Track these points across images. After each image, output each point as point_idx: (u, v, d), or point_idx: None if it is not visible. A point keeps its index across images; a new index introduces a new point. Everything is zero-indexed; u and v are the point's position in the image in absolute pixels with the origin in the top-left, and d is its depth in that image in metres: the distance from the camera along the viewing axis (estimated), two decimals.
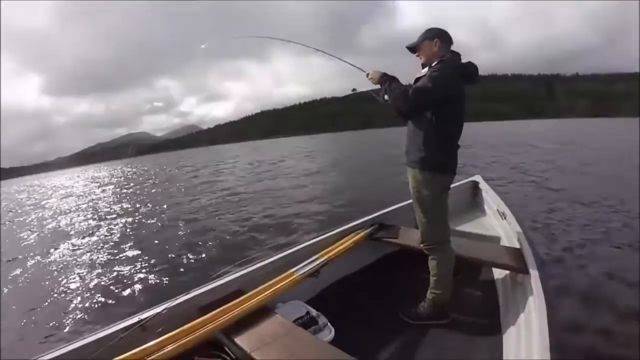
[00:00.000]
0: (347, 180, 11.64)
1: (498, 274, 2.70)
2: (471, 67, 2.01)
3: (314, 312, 2.08)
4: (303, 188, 10.37)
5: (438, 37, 2.02)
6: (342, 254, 2.53)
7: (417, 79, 1.97)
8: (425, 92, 1.85)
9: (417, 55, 2.12)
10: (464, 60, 2.02)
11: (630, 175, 8.34)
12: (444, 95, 1.89)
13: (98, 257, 5.62)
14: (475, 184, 4.14)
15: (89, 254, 5.88)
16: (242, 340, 1.63)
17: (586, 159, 12.24)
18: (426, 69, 2.02)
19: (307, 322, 1.98)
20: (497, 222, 3.32)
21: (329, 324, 2.01)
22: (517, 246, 2.50)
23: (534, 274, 1.99)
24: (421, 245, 2.22)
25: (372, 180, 10.77)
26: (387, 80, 2.01)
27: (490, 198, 3.72)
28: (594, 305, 2.97)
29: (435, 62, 1.98)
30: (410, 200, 3.22)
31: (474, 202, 4.07)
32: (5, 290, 4.71)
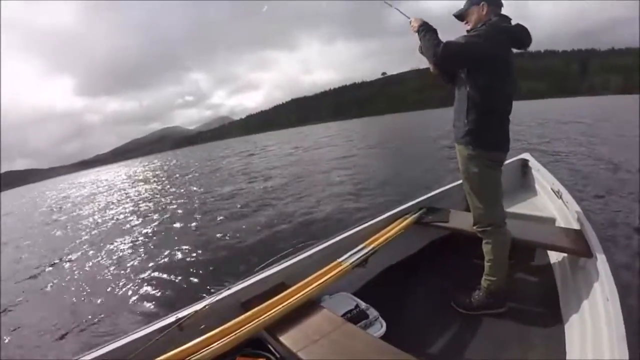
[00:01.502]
0: (388, 165, 11.38)
1: (555, 257, 2.47)
2: (521, 30, 1.79)
3: (363, 305, 1.94)
4: (344, 174, 10.10)
5: (485, 0, 1.83)
6: (390, 241, 2.36)
7: None
8: (457, 47, 1.73)
9: (466, 23, 1.93)
10: None
11: None
12: (479, 56, 1.73)
13: (139, 253, 5.69)
14: (524, 162, 3.83)
15: (130, 250, 5.96)
16: (288, 338, 1.50)
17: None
18: None
19: (356, 316, 1.84)
20: (552, 202, 3.06)
21: (379, 317, 1.86)
22: (577, 227, 2.27)
23: (599, 257, 1.78)
24: (474, 227, 2.05)
25: (414, 163, 10.47)
26: (424, 29, 1.85)
27: (541, 177, 3.44)
28: None
29: (480, 25, 1.80)
30: (460, 181, 2.97)
31: (524, 181, 3.78)
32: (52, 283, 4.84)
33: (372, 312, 1.88)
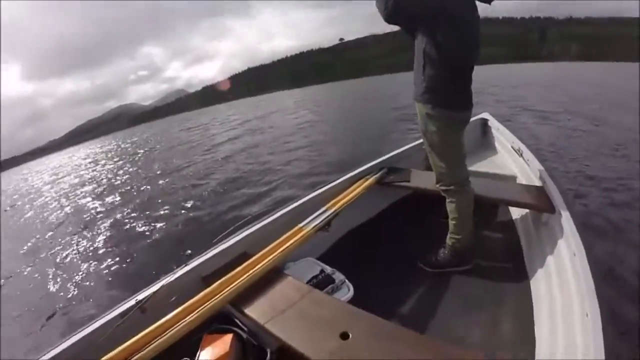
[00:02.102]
0: (348, 128, 11.44)
1: (518, 214, 2.55)
2: None
3: (328, 269, 1.90)
4: (304, 140, 9.97)
5: None
6: (352, 203, 2.33)
7: None
8: (407, 3, 1.64)
9: None
10: None
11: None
12: (433, 10, 1.64)
13: (95, 235, 5.37)
14: (484, 122, 3.87)
15: (87, 233, 5.58)
16: (254, 311, 1.45)
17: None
18: None
19: (322, 282, 1.81)
20: (513, 160, 3.13)
21: (346, 281, 1.84)
22: (538, 184, 2.32)
23: (563, 213, 1.82)
24: (437, 186, 2.05)
25: (373, 125, 10.56)
26: None
27: (501, 135, 3.50)
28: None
29: None
30: (420, 141, 3.04)
31: (484, 140, 3.82)
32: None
33: (338, 276, 1.85)
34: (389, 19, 1.69)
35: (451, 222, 2.05)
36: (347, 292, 1.79)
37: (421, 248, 2.26)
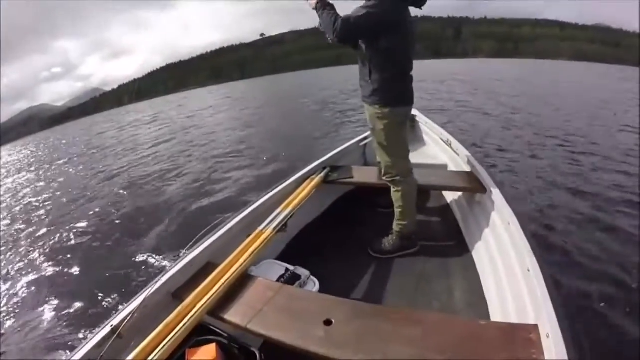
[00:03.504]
0: (280, 126, 11.42)
1: (452, 197, 2.87)
2: None
3: (291, 267, 1.99)
4: (238, 141, 9.74)
5: None
6: (303, 202, 2.45)
7: None
8: (355, 21, 1.80)
9: None
10: None
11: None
12: (377, 26, 1.84)
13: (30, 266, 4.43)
14: (412, 117, 4.13)
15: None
16: (233, 316, 1.48)
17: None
18: None
19: (290, 279, 1.89)
20: (442, 151, 3.46)
21: (311, 275, 1.95)
22: (468, 170, 2.64)
23: (493, 191, 2.13)
24: (384, 178, 2.26)
25: (304, 122, 10.87)
26: (321, 6, 1.90)
27: (430, 129, 3.85)
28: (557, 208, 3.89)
29: None
30: (357, 139, 3.52)
31: (413, 135, 4.08)
32: None
33: (303, 272, 1.95)
34: (339, 40, 1.85)
35: (397, 210, 2.28)
36: (314, 285, 1.90)
37: (369, 237, 2.46)
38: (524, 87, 16.15)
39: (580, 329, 2.14)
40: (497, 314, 1.70)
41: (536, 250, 1.52)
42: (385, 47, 1.90)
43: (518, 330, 1.23)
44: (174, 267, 1.75)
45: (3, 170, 14.70)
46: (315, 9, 1.92)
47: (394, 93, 2.02)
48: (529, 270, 1.43)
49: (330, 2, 1.92)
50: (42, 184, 9.76)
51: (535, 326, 1.21)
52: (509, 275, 1.71)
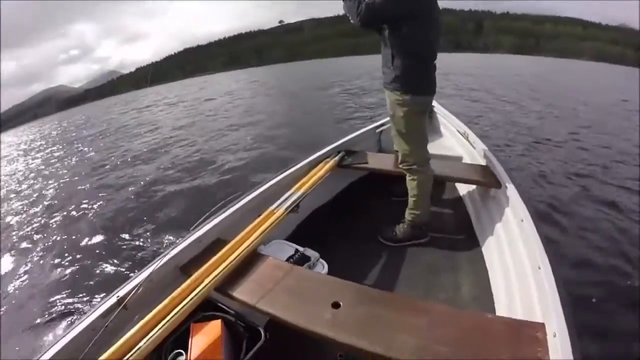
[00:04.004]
0: (298, 111, 11.43)
1: (465, 190, 2.81)
2: None
3: (301, 249, 1.96)
4: (258, 125, 9.78)
5: None
6: (316, 185, 2.42)
7: None
8: (378, 7, 1.78)
9: None
10: None
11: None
12: (400, 12, 1.81)
13: (47, 237, 4.59)
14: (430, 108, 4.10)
15: (33, 236, 4.69)
16: (241, 293, 1.47)
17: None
18: None
19: (299, 260, 1.86)
20: (459, 143, 3.39)
21: (320, 258, 1.92)
22: (484, 163, 2.58)
23: (508, 186, 2.07)
24: (400, 166, 2.22)
25: (322, 109, 10.77)
26: None
27: (447, 120, 3.77)
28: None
29: None
30: (372, 125, 3.50)
31: (431, 126, 4.01)
32: None
33: (313, 254, 1.92)
34: (362, 25, 1.86)
35: (411, 199, 2.24)
36: (323, 268, 1.87)
37: (380, 224, 2.43)
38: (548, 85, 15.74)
39: (588, 330, 2.09)
40: (503, 310, 1.66)
41: (548, 248, 1.48)
42: (408, 34, 1.86)
43: (525, 327, 1.20)
44: (182, 241, 1.73)
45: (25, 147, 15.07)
46: None
47: (415, 81, 1.98)
48: (539, 268, 1.39)
49: None
50: (61, 159, 10.02)
51: (542, 325, 1.18)
52: (518, 271, 1.66)
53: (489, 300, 1.79)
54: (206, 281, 1.46)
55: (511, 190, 2.02)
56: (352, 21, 1.89)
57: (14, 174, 9.77)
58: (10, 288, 3.50)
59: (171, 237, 3.71)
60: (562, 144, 6.43)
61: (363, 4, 1.79)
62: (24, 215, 5.67)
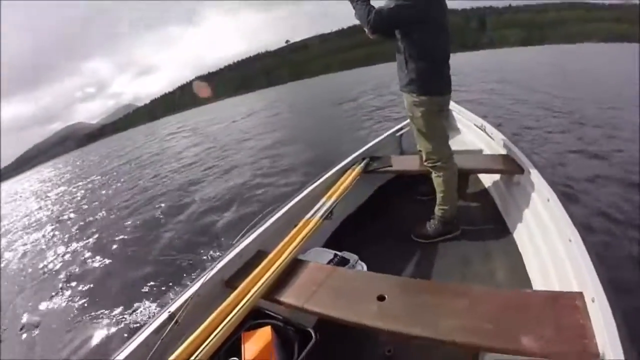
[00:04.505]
0: (314, 127, 11.62)
1: (489, 180, 2.84)
2: None
3: (339, 253, 2.01)
4: (279, 143, 9.88)
5: None
6: (346, 191, 2.48)
7: None
8: (388, 14, 1.86)
9: None
10: None
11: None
12: (410, 19, 1.88)
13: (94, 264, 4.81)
14: None
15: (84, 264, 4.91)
16: (288, 298, 1.52)
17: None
18: None
19: (339, 263, 1.91)
20: (477, 136, 3.40)
21: (359, 260, 1.96)
22: (504, 152, 2.60)
23: (532, 171, 2.10)
24: (426, 163, 2.27)
25: (340, 122, 10.84)
26: None
27: (463, 116, 3.79)
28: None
29: None
30: (392, 130, 3.55)
31: (446, 123, 3.99)
32: None
33: (352, 256, 1.96)
34: (373, 31, 1.93)
35: (439, 195, 2.28)
36: (362, 269, 1.91)
37: (411, 223, 2.47)
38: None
39: (625, 296, 2.07)
40: (540, 286, 1.68)
41: (576, 221, 1.51)
42: (419, 38, 1.94)
43: (563, 297, 1.23)
44: (226, 256, 1.80)
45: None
46: (350, 0, 1.99)
47: (429, 82, 2.05)
48: (570, 241, 1.42)
49: None
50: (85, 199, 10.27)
51: (580, 293, 1.20)
52: (550, 247, 1.68)
53: (525, 279, 1.81)
54: (252, 291, 1.51)
55: (534, 175, 2.05)
56: (364, 28, 1.96)
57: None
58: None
59: (215, 251, 3.88)
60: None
61: (373, 12, 1.86)
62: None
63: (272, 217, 2.12)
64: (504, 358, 1.15)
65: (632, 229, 3.05)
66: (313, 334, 1.31)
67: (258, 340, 1.31)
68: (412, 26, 1.91)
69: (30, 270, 5.35)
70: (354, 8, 1.98)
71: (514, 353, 1.10)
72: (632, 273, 2.50)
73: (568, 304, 1.18)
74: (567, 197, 3.31)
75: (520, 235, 2.10)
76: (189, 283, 1.69)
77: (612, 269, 2.34)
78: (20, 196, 16.57)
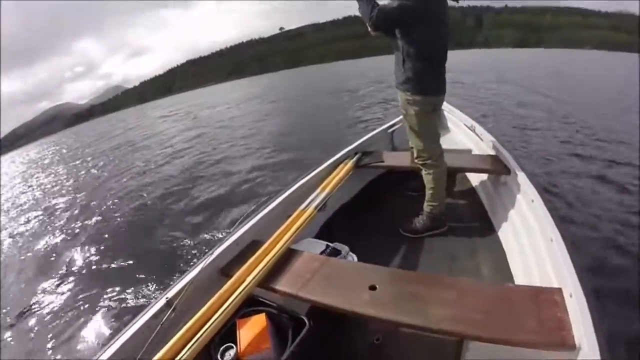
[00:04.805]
0: (309, 116, 11.70)
1: (477, 180, 2.93)
2: None
3: (331, 244, 2.06)
4: (272, 131, 10.05)
5: None
6: (339, 184, 2.54)
7: None
8: (390, 11, 1.89)
9: None
10: None
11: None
12: (411, 18, 1.90)
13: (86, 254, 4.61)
14: None
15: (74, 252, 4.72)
16: (283, 286, 1.57)
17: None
18: None
19: (331, 254, 1.96)
20: (467, 136, 3.49)
21: (350, 251, 2.02)
22: (492, 153, 2.69)
23: (518, 173, 2.18)
24: (416, 161, 2.34)
25: (331, 113, 10.95)
26: None
27: (454, 116, 3.87)
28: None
29: None
30: (384, 126, 3.64)
31: (438, 122, 4.07)
32: None
33: (343, 247, 2.02)
34: (375, 28, 1.96)
35: (428, 192, 2.36)
36: (353, 260, 1.97)
37: (400, 218, 2.55)
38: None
39: (601, 292, 2.21)
40: (522, 282, 1.78)
41: (558, 222, 1.60)
42: (418, 38, 1.97)
43: (543, 292, 1.32)
44: (221, 244, 1.83)
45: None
46: None
47: (425, 82, 2.08)
48: (551, 240, 1.52)
49: None
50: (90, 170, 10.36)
51: (559, 289, 1.30)
52: (533, 246, 1.78)
53: (508, 275, 1.92)
54: (248, 279, 1.56)
55: (520, 176, 2.14)
56: (366, 24, 1.98)
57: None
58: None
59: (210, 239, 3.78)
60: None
61: (376, 9, 1.88)
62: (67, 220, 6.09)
63: (266, 207, 2.16)
64: (487, 347, 1.23)
65: (613, 229, 3.24)
66: (307, 321, 1.36)
67: (253, 327, 1.35)
68: (413, 26, 1.94)
69: (19, 255, 5.24)
70: (358, 2, 1.99)
71: (497, 342, 1.19)
72: (608, 271, 2.69)
73: (548, 299, 1.27)
74: (552, 195, 3.59)
75: (505, 233, 2.20)
76: (186, 269, 1.72)
77: (589, 266, 2.59)
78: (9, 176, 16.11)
